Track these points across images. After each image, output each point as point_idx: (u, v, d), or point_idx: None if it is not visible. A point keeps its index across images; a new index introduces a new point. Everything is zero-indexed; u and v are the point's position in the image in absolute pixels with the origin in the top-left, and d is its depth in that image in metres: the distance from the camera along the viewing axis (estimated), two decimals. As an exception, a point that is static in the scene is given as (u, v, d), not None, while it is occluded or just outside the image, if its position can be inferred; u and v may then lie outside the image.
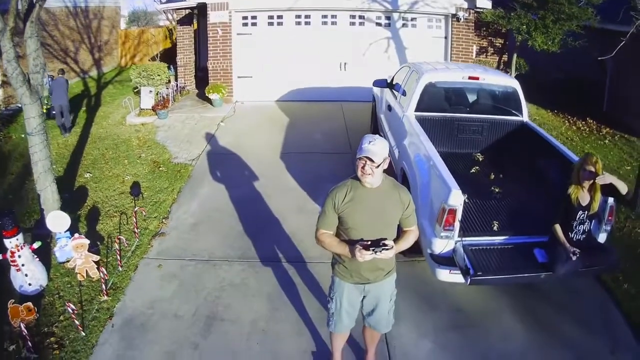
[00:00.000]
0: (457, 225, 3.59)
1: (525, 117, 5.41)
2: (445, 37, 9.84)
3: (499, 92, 5.59)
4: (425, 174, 4.16)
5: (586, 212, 3.54)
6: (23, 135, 7.21)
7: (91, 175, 6.56)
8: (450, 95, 5.68)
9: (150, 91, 8.71)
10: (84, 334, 3.64)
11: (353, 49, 9.65)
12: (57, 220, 4.54)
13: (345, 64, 9.80)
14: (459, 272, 3.57)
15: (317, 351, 3.47)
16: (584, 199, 3.53)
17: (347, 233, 2.71)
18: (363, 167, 2.56)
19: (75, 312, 3.65)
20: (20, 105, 6.25)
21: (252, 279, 4.36)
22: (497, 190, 4.46)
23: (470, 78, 5.42)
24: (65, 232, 4.59)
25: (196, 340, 3.60)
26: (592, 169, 3.42)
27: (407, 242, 2.81)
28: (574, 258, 3.38)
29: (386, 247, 2.56)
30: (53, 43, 11.96)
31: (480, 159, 5.20)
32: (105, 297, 4.08)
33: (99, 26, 14.06)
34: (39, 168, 4.86)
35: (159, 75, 9.20)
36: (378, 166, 2.55)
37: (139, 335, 3.64)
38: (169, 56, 13.06)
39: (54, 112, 8.19)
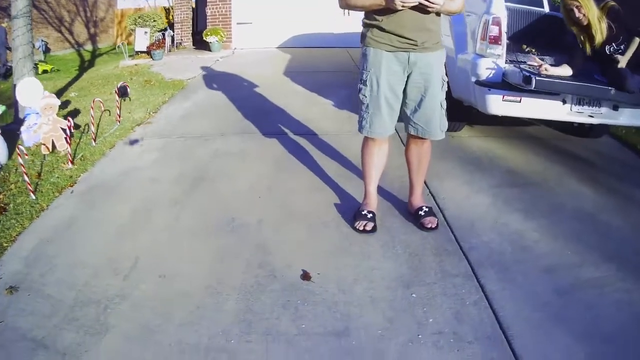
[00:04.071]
0: (504, 39, 2.95)
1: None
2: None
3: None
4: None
5: (607, 45, 2.91)
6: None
7: (77, 94, 5.91)
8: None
9: (146, 32, 8.16)
10: (34, 197, 2.90)
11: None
12: (28, 90, 3.79)
13: (350, 9, 9.27)
14: (515, 96, 2.92)
15: (341, 203, 2.71)
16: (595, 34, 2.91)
17: None
18: None
19: (28, 175, 2.94)
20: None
21: (254, 147, 3.62)
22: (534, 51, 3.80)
23: None
24: (35, 107, 3.87)
25: (177, 197, 2.86)
26: (575, 4, 2.86)
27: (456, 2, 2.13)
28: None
29: None
30: (48, 9, 11.53)
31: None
32: (70, 165, 3.34)
33: (95, 1, 13.67)
34: (19, 54, 4.37)
35: (154, 21, 8.66)
36: None
37: (103, 198, 2.91)
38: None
39: None
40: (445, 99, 2.32)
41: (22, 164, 2.96)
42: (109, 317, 1.89)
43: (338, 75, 6.11)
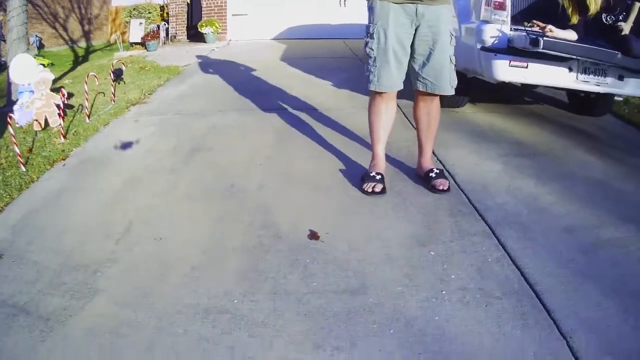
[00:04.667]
0: (508, 5, 2.86)
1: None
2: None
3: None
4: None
5: (605, 14, 2.88)
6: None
7: (71, 81, 5.75)
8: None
9: (140, 23, 8.01)
10: (24, 169, 2.74)
11: (353, -18, 9.02)
12: (22, 67, 3.63)
13: (345, -1, 9.20)
14: (521, 61, 2.83)
15: (347, 169, 2.56)
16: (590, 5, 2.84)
17: None
18: None
19: (18, 146, 2.78)
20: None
21: (253, 121, 3.46)
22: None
23: None
24: (29, 84, 3.71)
25: (173, 166, 2.71)
26: None
27: None
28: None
29: None
30: (42, 5, 11.36)
31: None
32: (63, 140, 3.18)
33: (89, -1, 13.51)
34: (13, 35, 4.27)
35: (149, 13, 8.50)
36: None
37: (96, 169, 2.75)
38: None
39: None
40: None
41: (12, 135, 2.80)
42: (99, 280, 1.74)
43: (336, 61, 5.98)
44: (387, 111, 2.28)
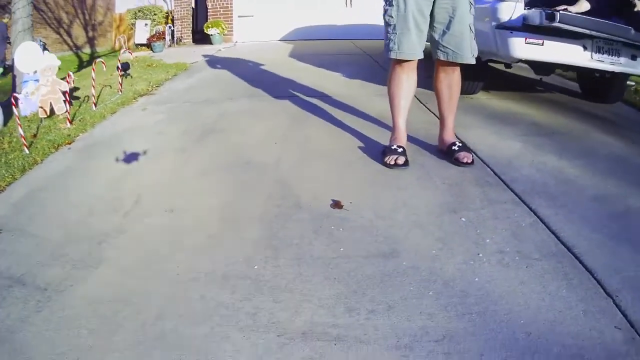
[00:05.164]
0: None
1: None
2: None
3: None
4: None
5: None
6: None
7: (77, 78, 5.69)
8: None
9: (146, 24, 8.00)
10: (27, 151, 2.63)
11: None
12: (28, 55, 3.53)
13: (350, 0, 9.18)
14: (537, 38, 2.80)
15: (365, 146, 2.44)
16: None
17: None
18: None
19: (22, 127, 2.69)
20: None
21: (265, 107, 3.36)
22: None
23: None
24: (35, 72, 3.62)
25: (184, 146, 2.59)
26: None
27: None
28: None
29: None
30: (47, 10, 11.41)
31: None
32: (69, 125, 3.09)
33: (93, 4, 13.56)
34: (19, 26, 4.19)
35: (155, 14, 8.50)
36: None
37: (103, 151, 2.63)
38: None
39: None
40: None
41: (17, 116, 2.72)
42: (104, 251, 1.62)
43: (346, 57, 5.89)
44: (408, 81, 2.18)
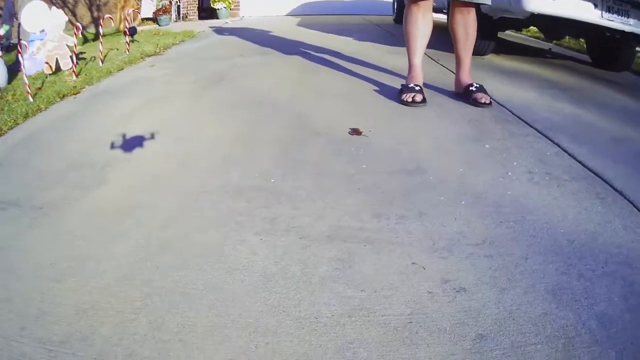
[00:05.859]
0: None
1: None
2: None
3: None
4: None
5: None
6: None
7: (82, 47, 5.64)
8: None
9: (152, 0, 7.87)
10: (32, 100, 2.55)
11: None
12: (35, 14, 3.44)
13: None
14: None
15: (380, 89, 2.34)
16: None
17: None
18: None
19: (27, 76, 2.63)
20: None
21: (276, 60, 3.26)
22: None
23: None
24: (41, 32, 3.55)
25: (195, 91, 2.49)
26: None
27: None
28: None
29: None
30: (50, -11, 11.32)
31: None
32: (75, 78, 3.00)
33: (99, -16, 13.46)
34: None
35: (160, -10, 8.39)
36: None
37: (110, 98, 2.54)
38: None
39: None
40: None
41: (21, 62, 2.66)
42: (108, 174, 1.54)
43: (356, 27, 5.77)
44: (424, 20, 2.10)
